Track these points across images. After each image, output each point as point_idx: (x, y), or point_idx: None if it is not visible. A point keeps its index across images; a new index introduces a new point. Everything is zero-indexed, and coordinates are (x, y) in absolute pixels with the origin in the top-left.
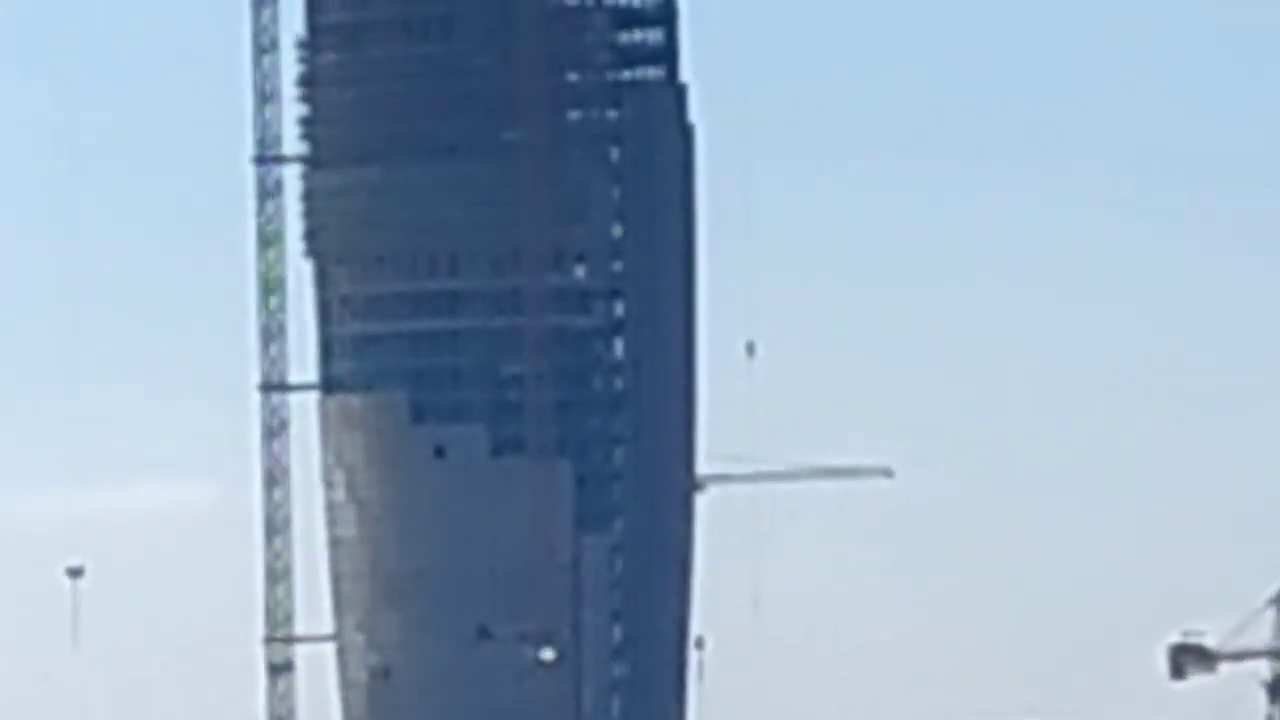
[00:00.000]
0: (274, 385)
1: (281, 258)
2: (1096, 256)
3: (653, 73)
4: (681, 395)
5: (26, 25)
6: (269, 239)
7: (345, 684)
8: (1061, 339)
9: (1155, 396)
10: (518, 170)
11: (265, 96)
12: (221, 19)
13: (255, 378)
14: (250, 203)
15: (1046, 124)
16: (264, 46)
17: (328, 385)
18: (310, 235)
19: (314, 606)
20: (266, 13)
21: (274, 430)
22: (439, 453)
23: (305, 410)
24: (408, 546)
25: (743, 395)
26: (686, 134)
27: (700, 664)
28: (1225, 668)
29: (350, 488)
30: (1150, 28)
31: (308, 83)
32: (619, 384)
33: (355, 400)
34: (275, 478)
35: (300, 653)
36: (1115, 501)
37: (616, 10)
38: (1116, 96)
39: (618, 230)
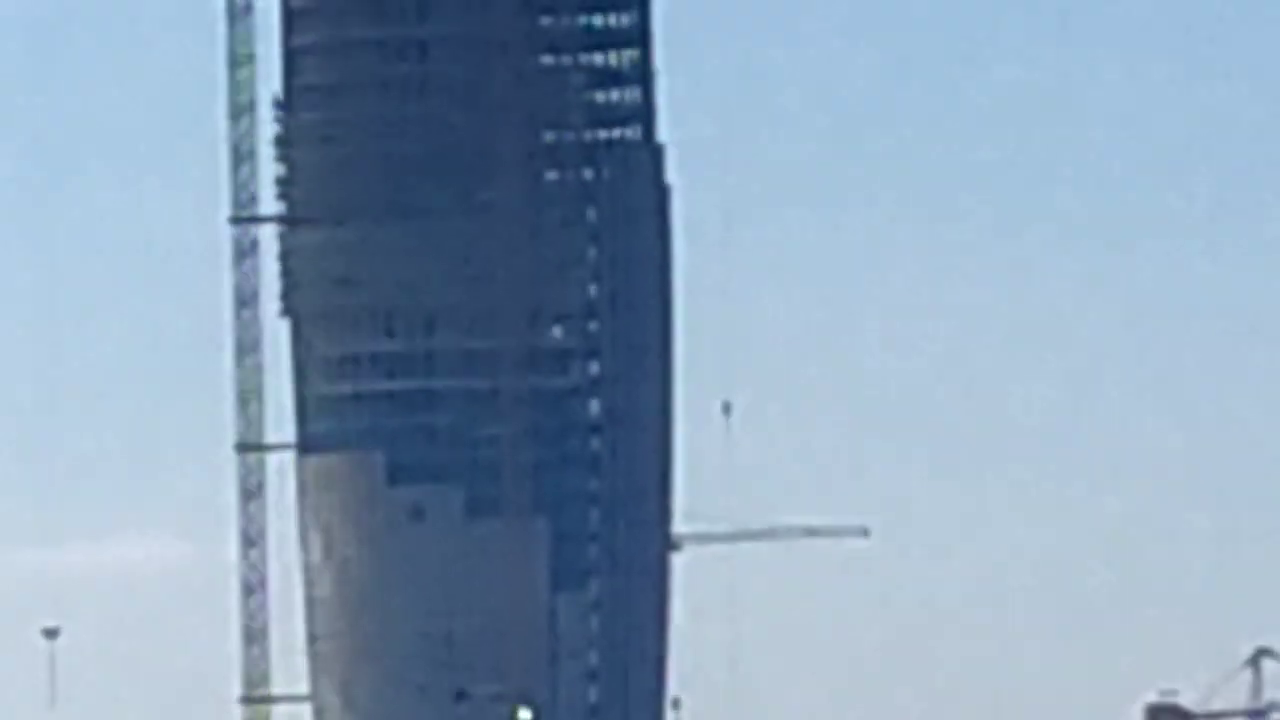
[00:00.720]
0: (250, 445)
1: (258, 317)
2: (1067, 326)
3: (629, 132)
4: (658, 455)
5: (3, 88)
6: (245, 298)
7: None
8: (1035, 402)
9: (1129, 464)
10: (494, 230)
11: (242, 156)
12: (198, 79)
13: (232, 438)
14: (227, 262)
15: (1024, 189)
16: (240, 107)
17: (304, 445)
18: (287, 295)
19: (290, 667)
20: (243, 73)
21: (251, 490)
22: (416, 513)
23: (282, 470)
24: (384, 607)
25: (719, 455)
26: (663, 193)
27: None
28: None
29: (327, 548)
30: (1115, 90)
31: (284, 143)
32: (595, 444)
33: (332, 460)
34: (252, 537)
35: (277, 713)
36: (1090, 563)
37: (593, 70)
38: (1089, 175)
39: (594, 290)
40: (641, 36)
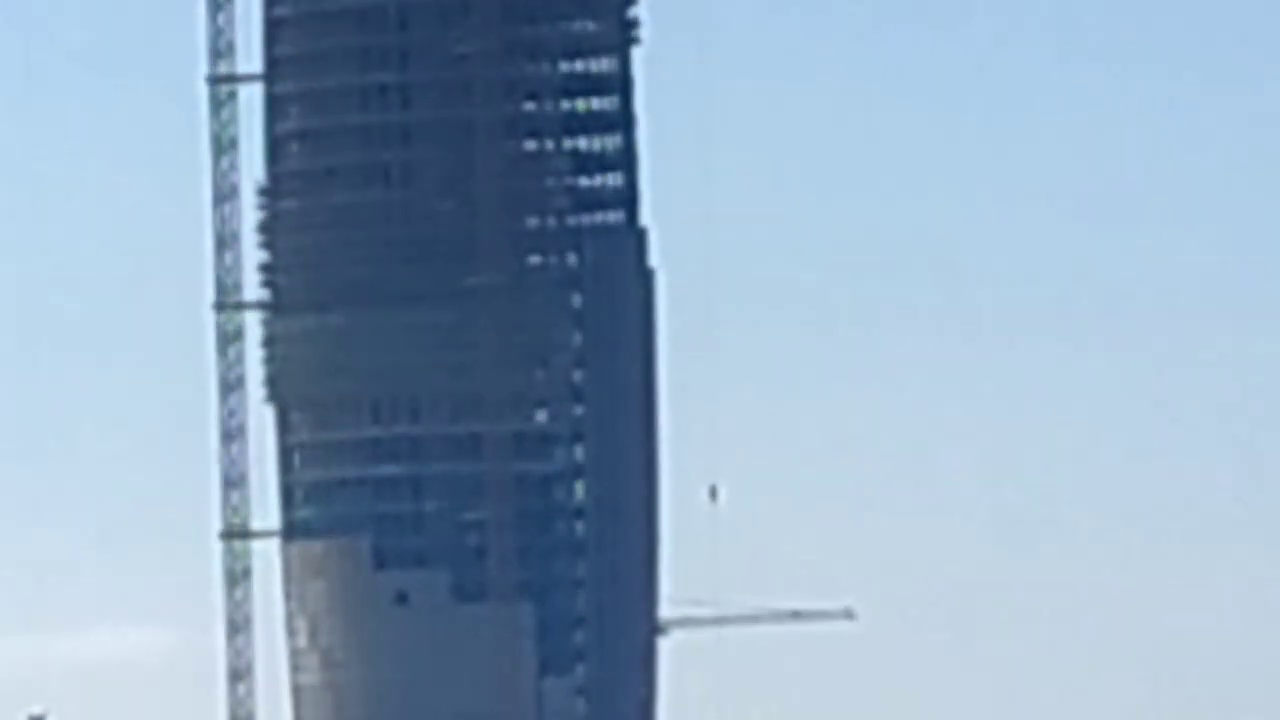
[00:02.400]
0: (236, 532)
1: (243, 404)
2: (1053, 410)
3: (613, 217)
4: (643, 539)
5: None
6: (230, 385)
7: None
8: (1022, 486)
9: (1120, 548)
10: (478, 315)
11: (225, 243)
12: (181, 166)
13: (217, 524)
14: (211, 348)
15: (1018, 257)
16: (224, 193)
17: (289, 531)
18: (271, 381)
19: None
20: (226, 160)
21: (236, 577)
22: (401, 599)
23: (267, 557)
24: (371, 693)
25: (705, 538)
26: (647, 278)
27: None
28: None
29: (313, 634)
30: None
31: (268, 229)
32: (581, 529)
33: (317, 546)
34: (237, 624)
35: None
36: (1079, 645)
37: (576, 155)
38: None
39: (579, 375)
40: (624, 121)
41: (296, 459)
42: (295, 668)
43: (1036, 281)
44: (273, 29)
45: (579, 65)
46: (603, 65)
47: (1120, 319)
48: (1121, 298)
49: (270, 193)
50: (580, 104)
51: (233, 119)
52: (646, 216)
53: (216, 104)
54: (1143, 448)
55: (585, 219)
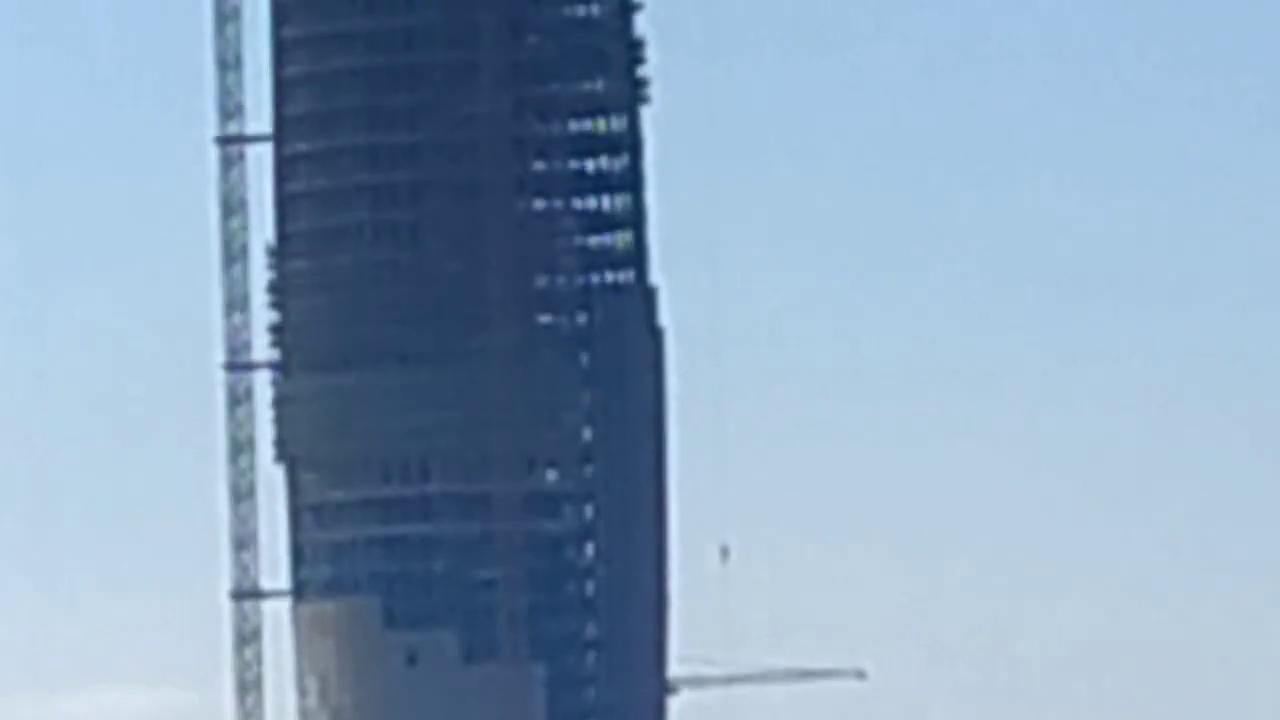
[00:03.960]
0: (245, 592)
1: (252, 464)
2: (1068, 459)
3: (622, 276)
4: (653, 598)
5: None
6: (240, 445)
7: None
8: (1034, 542)
9: (1129, 593)
10: (488, 375)
11: (235, 303)
12: (191, 226)
13: (226, 585)
14: (221, 409)
15: (1029, 321)
16: (234, 253)
17: (299, 592)
18: (281, 441)
19: None
20: (235, 220)
21: (246, 637)
22: (411, 659)
23: (277, 617)
24: None
25: (715, 598)
26: (657, 337)
27: None
28: None
29: (323, 694)
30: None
31: (278, 289)
32: (591, 588)
33: (327, 607)
34: (247, 684)
35: None
36: (1091, 707)
37: (585, 214)
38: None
39: (588, 434)
40: (633, 181)
41: (306, 519)
42: None
43: (1048, 346)
44: (282, 89)
45: (588, 124)
46: (612, 124)
47: (1135, 384)
48: (1139, 363)
49: (280, 253)
50: (589, 164)
51: (242, 179)
52: (656, 275)
53: (226, 164)
54: (1156, 512)
55: (595, 278)
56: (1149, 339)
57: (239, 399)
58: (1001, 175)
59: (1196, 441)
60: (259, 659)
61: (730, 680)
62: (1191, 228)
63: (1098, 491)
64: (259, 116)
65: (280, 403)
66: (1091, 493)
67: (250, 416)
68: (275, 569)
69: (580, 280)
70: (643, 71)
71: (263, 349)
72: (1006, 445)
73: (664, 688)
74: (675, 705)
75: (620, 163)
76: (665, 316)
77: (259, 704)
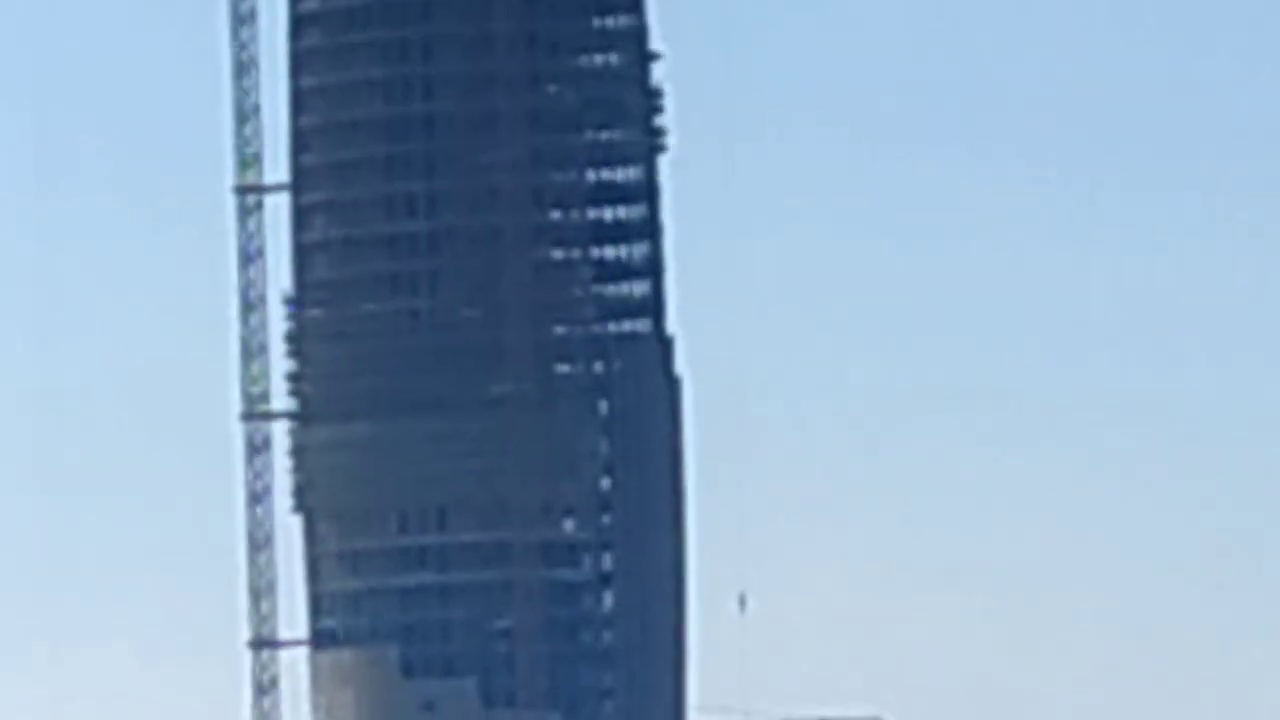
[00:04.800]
0: (264, 642)
1: (270, 513)
2: (1085, 512)
3: (640, 325)
4: (672, 647)
5: (9, 281)
6: (258, 495)
7: None
8: (1052, 593)
9: (1154, 641)
10: (506, 424)
11: (252, 352)
12: (209, 275)
13: (245, 634)
14: (239, 459)
15: (1050, 372)
16: (251, 303)
17: (318, 641)
18: (299, 491)
19: None
20: (253, 269)
21: (264, 687)
22: (429, 708)
23: (295, 666)
24: None
25: (733, 647)
26: (674, 386)
27: None
28: None
29: None
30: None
31: (295, 338)
32: (609, 637)
33: (345, 656)
34: None
35: None
36: None
37: (602, 263)
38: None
39: (606, 483)
40: (651, 229)
41: (324, 568)
42: None
43: (1069, 398)
44: (299, 139)
45: (605, 173)
46: (629, 173)
47: (1150, 438)
48: (1156, 418)
49: (297, 302)
50: (607, 213)
51: (259, 229)
52: (673, 324)
53: (243, 214)
54: (1171, 565)
55: (612, 327)
56: (1186, 381)
57: (257, 448)
58: (1021, 233)
59: (1219, 493)
60: (277, 708)
61: None
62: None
63: (1121, 539)
64: (276, 166)
65: (298, 452)
66: (1115, 541)
67: (268, 466)
68: (293, 618)
69: (598, 329)
70: (660, 121)
71: (281, 398)
72: (1027, 495)
73: None
74: None
75: (638, 212)
76: (682, 365)
77: None
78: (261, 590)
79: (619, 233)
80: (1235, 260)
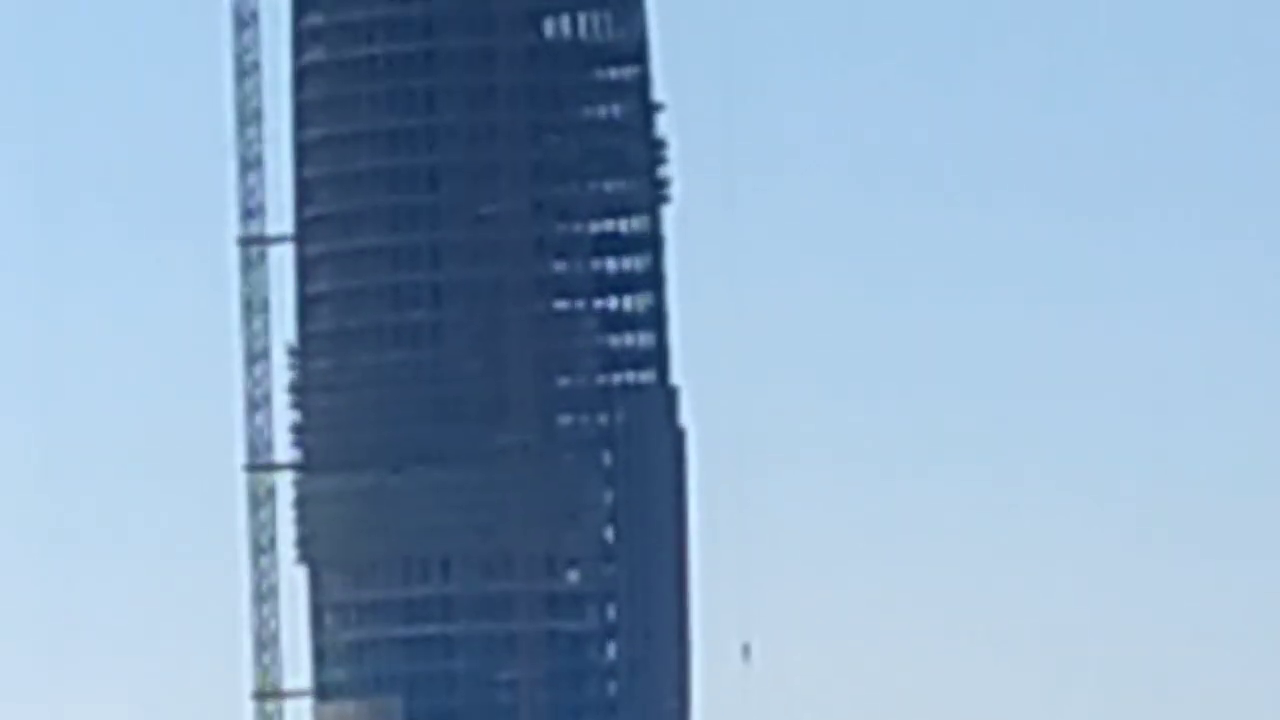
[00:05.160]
0: (268, 693)
1: (274, 564)
2: (1089, 553)
3: (644, 376)
4: (676, 698)
5: (12, 331)
6: (262, 546)
7: None
8: (1059, 638)
9: (1161, 694)
10: (509, 475)
11: (256, 404)
12: (213, 327)
13: (249, 685)
14: (242, 510)
15: (1051, 421)
16: (255, 354)
17: (322, 692)
18: (303, 542)
19: None
20: (257, 321)
21: None
22: None
23: (300, 717)
24: None
25: (738, 698)
26: (678, 437)
27: None
28: None
29: None
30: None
31: (299, 390)
32: (613, 688)
33: (349, 707)
34: None
35: None
36: None
37: (606, 314)
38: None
39: (610, 534)
40: (655, 280)
41: (328, 619)
42: None
43: (1075, 450)
44: (303, 190)
45: (609, 225)
46: (633, 224)
47: (1160, 489)
48: (1165, 469)
49: (301, 353)
50: (610, 263)
51: (264, 280)
52: (677, 376)
53: (247, 265)
54: (1180, 618)
55: (616, 378)
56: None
57: (261, 500)
58: (1028, 284)
59: (1232, 540)
60: None
61: None
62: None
63: (1133, 594)
64: (280, 217)
65: (302, 503)
66: (1125, 595)
67: (272, 517)
68: (297, 669)
69: (601, 380)
70: (664, 172)
71: (284, 449)
72: (1033, 547)
73: None
74: None
75: (642, 263)
76: (686, 417)
77: None
78: (266, 641)
79: (623, 284)
80: (1247, 312)
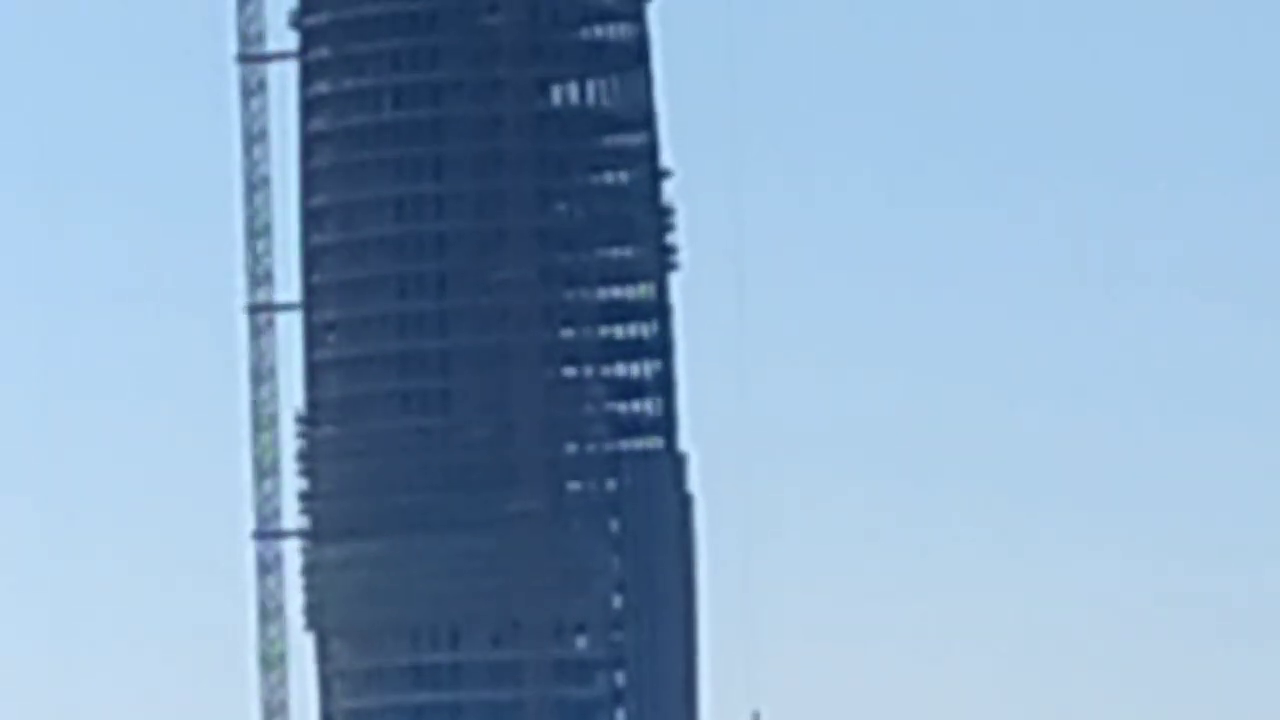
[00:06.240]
0: None
1: (282, 632)
2: (1100, 604)
3: (651, 443)
4: None
5: (17, 398)
6: (270, 613)
7: None
8: (1069, 697)
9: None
10: (517, 542)
11: (264, 471)
12: (221, 394)
13: None
14: (251, 578)
15: (1062, 464)
16: (263, 421)
17: None
18: (311, 609)
19: None
20: (265, 388)
21: None
22: None
23: None
24: None
25: None
26: (686, 504)
27: None
28: None
29: None
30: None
31: (307, 457)
32: None
33: None
34: None
35: None
36: None
37: (614, 381)
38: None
39: (618, 601)
40: (662, 347)
41: (337, 687)
42: None
43: (1083, 488)
44: (311, 257)
45: (617, 291)
46: (640, 291)
47: (1176, 514)
48: (1184, 493)
49: (309, 420)
50: (619, 330)
51: (271, 347)
52: (685, 442)
53: (255, 332)
54: (1193, 644)
55: (624, 445)
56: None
57: (269, 567)
58: (1043, 330)
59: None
60: None
61: None
62: None
63: (1148, 627)
64: (288, 285)
65: (310, 570)
66: (1142, 629)
67: (280, 585)
68: None
69: (609, 447)
70: (671, 239)
71: (292, 517)
72: (1047, 608)
73: None
74: None
75: (649, 329)
76: (694, 483)
77: None
78: (274, 709)
79: (630, 350)
80: (1248, 312)
